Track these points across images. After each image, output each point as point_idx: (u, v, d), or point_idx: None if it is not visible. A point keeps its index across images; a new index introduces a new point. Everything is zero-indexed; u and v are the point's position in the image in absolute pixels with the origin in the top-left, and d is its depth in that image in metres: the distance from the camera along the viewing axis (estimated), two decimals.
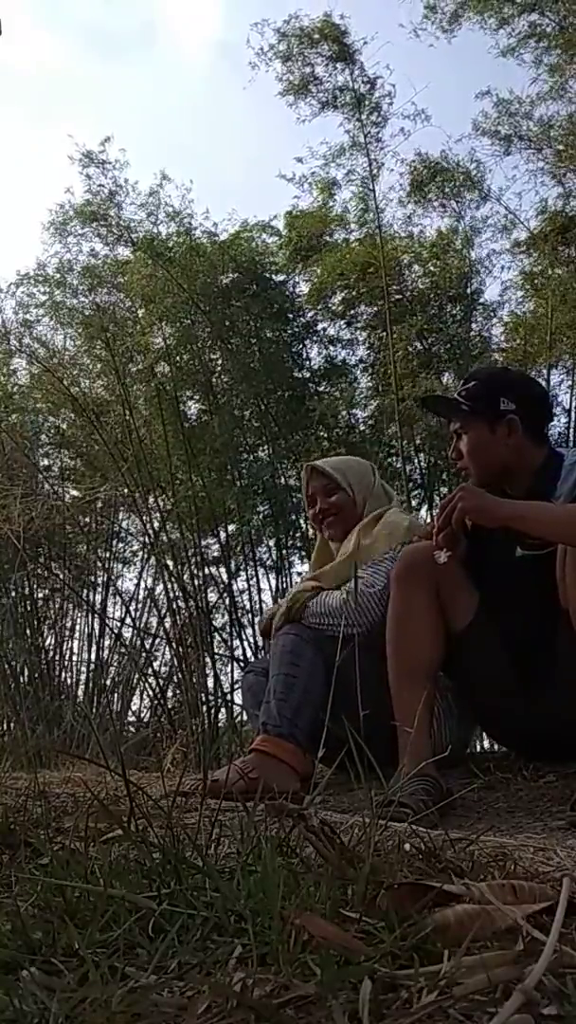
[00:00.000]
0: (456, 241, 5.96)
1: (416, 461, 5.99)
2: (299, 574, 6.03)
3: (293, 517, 5.92)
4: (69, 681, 6.17)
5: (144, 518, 5.70)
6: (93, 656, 6.01)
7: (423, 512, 5.53)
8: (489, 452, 1.88)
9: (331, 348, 6.32)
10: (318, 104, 5.66)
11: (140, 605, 6.23)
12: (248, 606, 5.94)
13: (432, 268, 6.05)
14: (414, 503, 5.69)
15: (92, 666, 6.00)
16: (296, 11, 5.78)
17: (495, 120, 5.61)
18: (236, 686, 5.38)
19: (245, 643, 5.79)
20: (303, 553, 5.94)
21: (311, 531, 5.56)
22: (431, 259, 6.04)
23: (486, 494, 1.73)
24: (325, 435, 5.92)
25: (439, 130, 5.83)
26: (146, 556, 6.09)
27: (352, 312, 6.23)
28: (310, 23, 5.57)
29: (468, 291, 5.89)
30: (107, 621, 6.01)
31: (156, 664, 6.06)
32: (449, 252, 5.99)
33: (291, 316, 6.25)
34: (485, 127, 5.64)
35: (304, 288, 6.29)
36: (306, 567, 5.94)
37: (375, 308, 5.76)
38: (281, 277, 6.24)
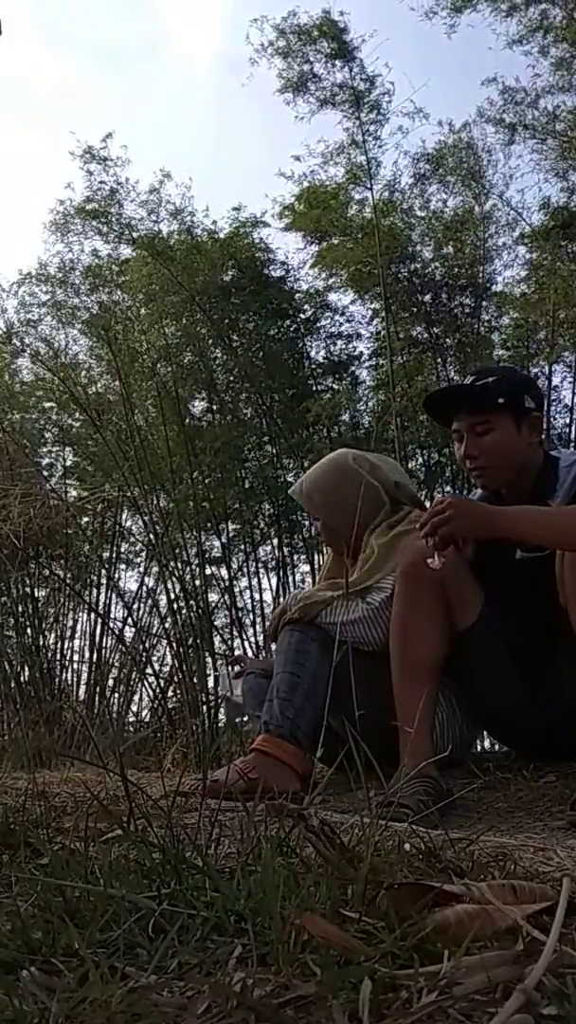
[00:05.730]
0: (461, 232, 5.93)
1: (419, 458, 5.97)
2: (303, 575, 6.03)
3: (294, 517, 5.91)
4: (69, 681, 6.18)
5: (146, 518, 5.70)
6: (94, 656, 6.02)
7: None
8: (514, 451, 1.83)
9: (334, 344, 6.31)
10: (317, 102, 5.64)
11: (141, 605, 6.24)
12: (249, 606, 5.95)
13: (428, 255, 6.04)
14: None
15: (92, 666, 6.00)
16: (295, 7, 5.76)
17: (500, 108, 5.58)
18: None
19: (246, 643, 5.80)
20: (304, 555, 5.93)
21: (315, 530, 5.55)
22: (439, 245, 6.01)
23: (478, 508, 1.68)
24: (327, 433, 5.90)
25: (444, 126, 5.73)
26: (148, 556, 6.09)
27: (354, 308, 6.23)
28: (309, 20, 5.56)
29: (472, 283, 5.87)
30: (108, 621, 6.01)
31: (156, 664, 6.07)
32: (452, 243, 5.96)
33: (292, 312, 6.22)
34: (490, 114, 5.62)
35: (303, 284, 6.27)
36: (308, 567, 5.95)
37: (377, 301, 5.74)
38: (280, 273, 6.21)
